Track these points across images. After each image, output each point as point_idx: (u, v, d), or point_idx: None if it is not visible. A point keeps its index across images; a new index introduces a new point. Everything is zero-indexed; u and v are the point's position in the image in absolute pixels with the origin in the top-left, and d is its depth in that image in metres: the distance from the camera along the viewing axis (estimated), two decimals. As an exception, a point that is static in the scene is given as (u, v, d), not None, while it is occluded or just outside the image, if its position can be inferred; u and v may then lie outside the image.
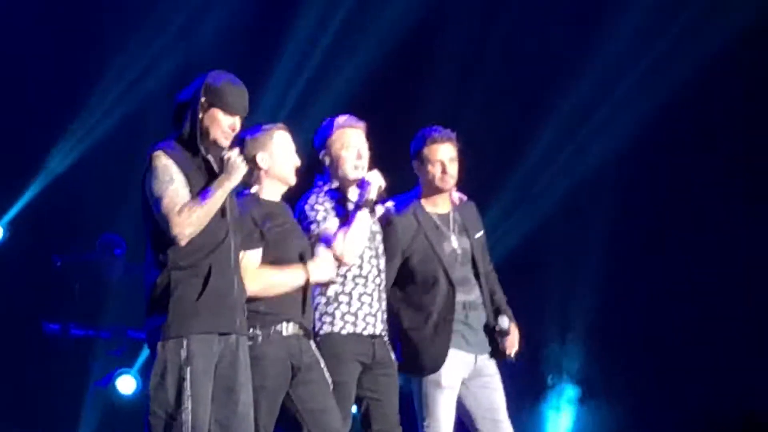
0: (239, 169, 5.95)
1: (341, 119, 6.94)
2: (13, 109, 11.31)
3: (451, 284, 7.01)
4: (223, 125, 6.04)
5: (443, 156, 7.05)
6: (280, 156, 6.50)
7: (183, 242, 5.84)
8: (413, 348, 6.94)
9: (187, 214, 5.83)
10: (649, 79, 11.86)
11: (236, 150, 6.06)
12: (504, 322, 7.07)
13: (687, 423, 10.95)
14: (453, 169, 7.12)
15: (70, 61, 11.67)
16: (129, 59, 11.37)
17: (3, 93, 11.38)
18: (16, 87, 11.46)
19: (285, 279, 6.41)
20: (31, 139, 11.23)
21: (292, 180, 6.56)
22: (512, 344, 7.09)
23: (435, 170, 7.08)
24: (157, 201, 5.91)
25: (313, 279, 6.38)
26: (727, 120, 11.93)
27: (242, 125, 6.18)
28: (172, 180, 5.94)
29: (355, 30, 11.11)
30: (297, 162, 6.55)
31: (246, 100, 6.17)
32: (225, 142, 6.09)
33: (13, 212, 11.06)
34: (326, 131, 6.88)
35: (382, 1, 11.30)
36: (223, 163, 6.09)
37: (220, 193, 5.89)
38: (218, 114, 6.03)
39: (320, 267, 6.39)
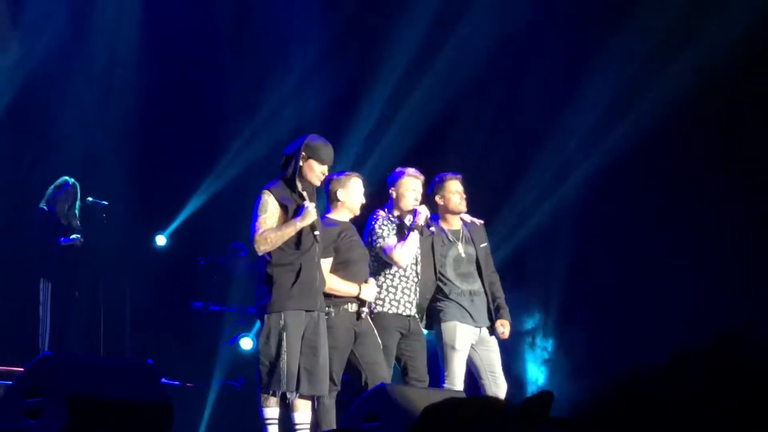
0: (311, 216, 5.95)
1: (410, 170, 6.81)
2: (172, 155, 11.03)
3: (435, 274, 6.83)
4: (317, 171, 6.04)
5: (459, 188, 6.88)
6: (353, 195, 6.38)
7: (259, 253, 5.96)
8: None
9: (264, 237, 5.92)
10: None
11: (313, 204, 6.02)
12: (499, 324, 6.85)
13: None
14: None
15: (210, 122, 11.31)
16: (250, 122, 10.88)
17: (166, 145, 11.07)
18: (175, 140, 11.13)
19: (344, 288, 6.34)
20: (185, 178, 10.90)
21: (358, 212, 6.45)
22: (505, 335, 6.88)
23: (454, 198, 6.90)
24: (253, 222, 6.00)
25: (361, 296, 6.31)
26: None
27: (329, 171, 6.19)
28: (266, 211, 5.99)
29: (401, 102, 10.58)
30: (363, 201, 6.45)
31: (332, 155, 6.16)
32: (318, 183, 6.10)
33: (173, 227, 10.71)
34: (398, 176, 6.76)
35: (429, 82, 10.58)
36: (311, 191, 6.10)
37: (292, 228, 5.91)
38: (313, 164, 6.02)
39: (368, 290, 6.32)
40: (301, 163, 6.02)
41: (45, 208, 9.09)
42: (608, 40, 9.86)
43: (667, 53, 9.69)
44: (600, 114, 10.02)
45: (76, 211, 9.17)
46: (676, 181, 9.72)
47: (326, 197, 6.54)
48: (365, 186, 6.55)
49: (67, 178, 9.24)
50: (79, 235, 9.08)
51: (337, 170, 6.59)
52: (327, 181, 6.45)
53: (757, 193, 9.32)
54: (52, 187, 9.16)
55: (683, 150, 9.69)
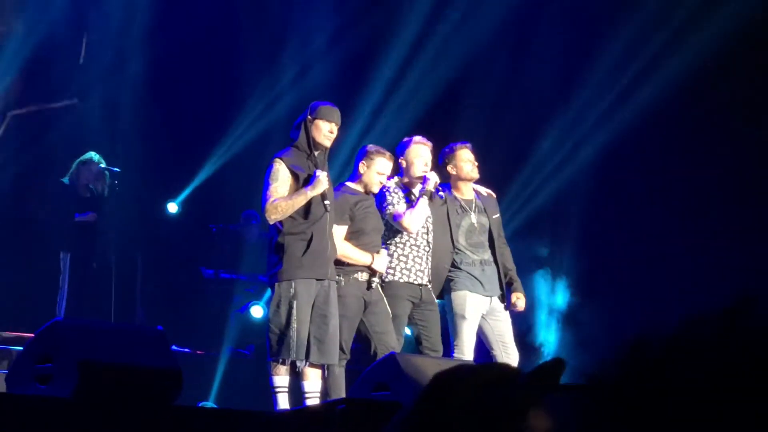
0: (322, 185, 5.96)
1: (417, 138, 6.83)
2: (185, 123, 11.11)
3: (453, 243, 6.85)
4: (324, 130, 6.08)
5: (470, 156, 6.89)
6: (374, 174, 6.37)
7: (270, 222, 5.99)
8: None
9: (275, 206, 5.93)
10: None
11: (325, 173, 6.03)
12: (514, 297, 6.88)
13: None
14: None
15: (223, 96, 11.33)
16: (264, 89, 10.92)
17: (179, 112, 11.14)
18: (188, 108, 11.19)
19: (357, 256, 6.35)
20: (198, 145, 10.98)
21: (374, 190, 6.45)
22: (520, 306, 6.92)
23: (466, 166, 6.90)
24: (264, 191, 6.02)
25: (373, 265, 6.32)
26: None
27: (338, 134, 6.23)
28: (277, 180, 6.02)
29: (413, 72, 10.54)
30: (383, 182, 6.44)
31: (338, 114, 6.21)
32: (327, 143, 6.14)
33: (184, 194, 10.75)
34: (406, 144, 6.77)
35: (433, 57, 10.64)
36: (324, 158, 6.13)
37: (303, 197, 5.93)
38: (320, 123, 6.07)
39: (380, 260, 6.33)
40: (310, 127, 6.07)
41: (66, 182, 9.20)
42: (621, 10, 9.82)
43: (682, 25, 9.61)
44: (613, 82, 10.00)
45: (106, 189, 9.30)
46: (689, 154, 9.69)
47: (355, 165, 6.56)
48: (391, 166, 6.54)
49: (92, 154, 9.33)
50: (93, 213, 9.19)
51: (343, 138, 6.80)
52: (360, 153, 6.54)
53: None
54: (77, 162, 9.26)
55: (698, 125, 9.68)
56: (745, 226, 9.40)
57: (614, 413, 0.90)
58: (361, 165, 6.41)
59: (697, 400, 0.89)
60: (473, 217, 6.92)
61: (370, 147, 6.52)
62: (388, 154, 6.52)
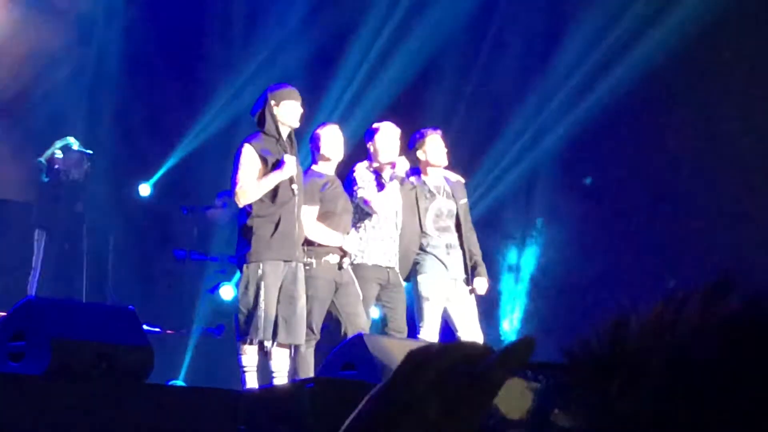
0: (291, 170, 6.03)
1: (385, 123, 6.90)
2: (157, 106, 11.02)
3: (421, 227, 6.90)
4: (293, 110, 6.15)
5: (440, 142, 6.93)
6: (328, 142, 6.47)
7: (240, 205, 6.05)
8: None
9: (244, 190, 6.00)
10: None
11: (293, 157, 6.10)
12: (477, 282, 6.91)
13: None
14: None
15: (196, 80, 11.25)
16: (234, 77, 10.89)
17: (152, 95, 11.04)
18: (161, 91, 11.12)
19: (329, 238, 6.42)
20: (170, 128, 10.91)
21: (337, 158, 6.51)
22: (482, 290, 6.98)
23: (436, 152, 6.94)
24: (233, 176, 6.11)
25: (344, 247, 6.39)
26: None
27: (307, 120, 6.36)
28: (245, 164, 6.07)
29: (384, 58, 10.52)
30: (341, 150, 6.52)
31: (298, 92, 6.27)
32: (296, 123, 6.22)
33: (156, 176, 10.54)
34: (375, 130, 6.85)
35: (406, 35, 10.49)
36: (291, 141, 6.20)
37: (271, 181, 6.00)
38: (287, 104, 6.14)
39: (350, 242, 6.40)
40: (275, 111, 6.11)
41: (43, 161, 9.15)
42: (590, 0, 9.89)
43: (648, 13, 9.64)
44: (579, 73, 10.03)
45: (83, 174, 9.27)
46: (652, 138, 9.76)
47: (310, 151, 6.60)
48: (343, 136, 6.62)
49: (70, 139, 9.29)
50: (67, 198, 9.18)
51: (312, 124, 6.75)
52: (312, 136, 6.57)
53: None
54: (57, 146, 9.20)
55: (664, 110, 9.72)
56: (721, 211, 9.42)
57: (594, 390, 0.90)
58: (322, 146, 6.49)
59: (678, 380, 0.89)
60: (441, 202, 6.96)
61: (319, 127, 6.64)
62: (331, 122, 6.73)
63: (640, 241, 9.78)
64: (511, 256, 10.35)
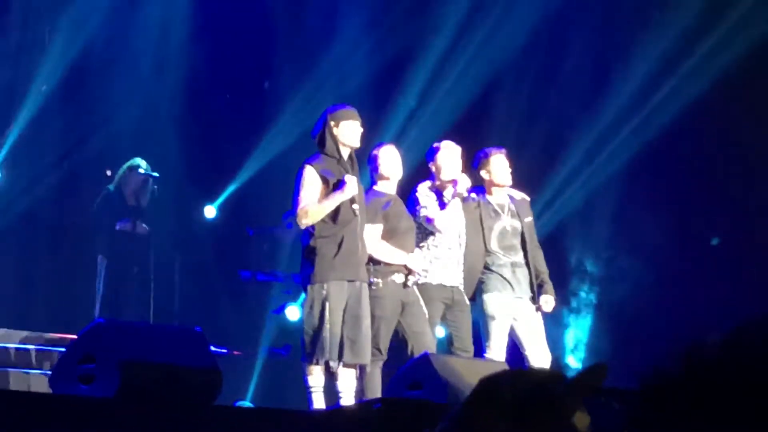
0: (352, 190, 6.08)
1: (446, 142, 6.94)
2: (223, 127, 11.19)
3: (485, 246, 6.93)
4: (353, 130, 6.23)
5: (504, 162, 6.97)
6: (385, 161, 6.55)
7: (302, 227, 6.11)
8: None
9: (305, 211, 6.05)
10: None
11: (354, 178, 6.14)
12: (543, 300, 6.93)
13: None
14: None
15: (260, 101, 11.36)
16: (299, 93, 10.86)
17: (218, 119, 11.24)
18: (226, 112, 11.27)
19: (394, 256, 6.48)
20: (235, 149, 11.02)
21: (395, 177, 6.56)
22: (548, 308, 6.98)
23: (500, 172, 6.98)
24: (295, 197, 6.16)
25: (409, 265, 6.43)
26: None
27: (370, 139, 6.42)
28: (307, 185, 6.14)
29: (446, 77, 10.55)
30: (399, 168, 6.58)
31: (357, 113, 6.33)
32: (357, 143, 6.27)
33: (221, 198, 10.88)
34: (436, 149, 6.89)
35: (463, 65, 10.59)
36: (352, 162, 6.27)
37: (332, 202, 6.05)
38: (347, 124, 6.21)
39: (415, 260, 6.45)
40: (335, 132, 6.17)
41: (112, 189, 9.27)
42: (652, 12, 9.85)
43: (710, 24, 9.62)
44: (639, 89, 10.01)
45: (148, 195, 9.39)
46: (718, 156, 9.72)
47: (369, 172, 6.66)
48: (401, 155, 6.67)
49: (138, 160, 9.42)
50: (133, 221, 9.30)
51: (374, 143, 6.79)
52: (370, 157, 6.65)
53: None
54: (125, 167, 9.33)
55: (725, 127, 9.68)
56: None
57: (670, 415, 0.91)
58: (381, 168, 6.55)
59: (754, 402, 0.89)
60: (506, 221, 6.99)
61: (377, 147, 6.71)
62: (388, 143, 6.78)
63: (707, 268, 9.71)
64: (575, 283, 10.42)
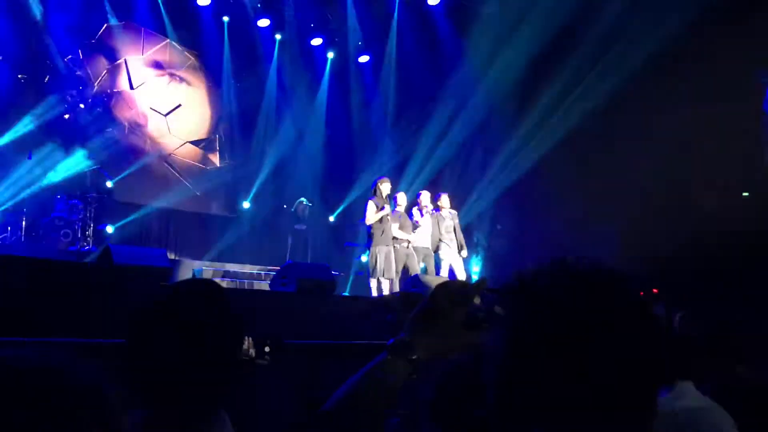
0: (387, 211, 8.33)
1: (423, 191, 9.65)
2: (344, 165, 14.05)
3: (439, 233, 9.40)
4: (386, 189, 9.24)
5: (447, 199, 10.07)
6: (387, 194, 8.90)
7: (367, 224, 8.50)
8: None
9: (368, 219, 8.55)
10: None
11: (388, 206, 8.57)
12: (462, 253, 9.35)
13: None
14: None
15: (367, 144, 14.06)
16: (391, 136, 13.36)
17: (341, 159, 14.06)
18: (345, 156, 14.09)
19: (402, 235, 9.04)
20: (347, 182, 13.81)
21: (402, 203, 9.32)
22: (464, 255, 9.51)
23: (446, 202, 9.97)
24: (364, 212, 9.06)
25: (409, 238, 9.11)
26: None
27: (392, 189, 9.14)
28: (369, 208, 8.84)
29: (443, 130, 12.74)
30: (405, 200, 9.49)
31: (389, 179, 9.33)
32: (388, 191, 9.18)
33: (338, 210, 14.43)
34: (419, 194, 9.87)
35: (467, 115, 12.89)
36: (388, 200, 9.08)
37: (379, 215, 8.32)
38: (382, 186, 9.34)
39: (411, 237, 8.58)
40: (380, 186, 9.45)
41: (293, 211, 12.21)
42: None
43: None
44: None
45: (306, 212, 12.46)
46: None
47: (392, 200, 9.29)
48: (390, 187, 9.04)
49: (303, 199, 12.52)
50: (303, 225, 12.27)
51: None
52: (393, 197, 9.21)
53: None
54: (297, 202, 12.23)
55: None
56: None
57: (533, 310, 1.23)
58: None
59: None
60: (448, 221, 9.96)
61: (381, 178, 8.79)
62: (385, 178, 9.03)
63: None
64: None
